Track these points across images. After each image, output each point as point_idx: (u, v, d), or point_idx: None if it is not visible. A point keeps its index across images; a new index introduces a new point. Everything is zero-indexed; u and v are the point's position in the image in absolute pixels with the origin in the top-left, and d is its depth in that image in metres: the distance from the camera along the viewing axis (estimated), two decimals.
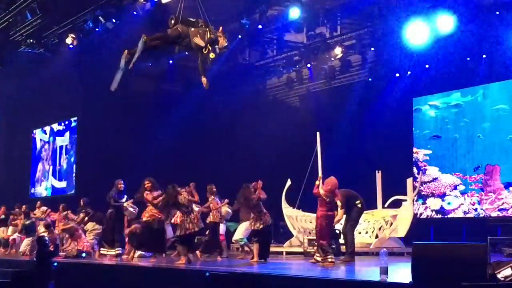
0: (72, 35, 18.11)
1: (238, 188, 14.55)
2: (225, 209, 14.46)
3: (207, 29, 9.88)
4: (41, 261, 11.54)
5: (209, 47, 9.80)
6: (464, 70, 18.03)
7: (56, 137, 23.83)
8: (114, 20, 17.12)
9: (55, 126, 23.91)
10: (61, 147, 23.37)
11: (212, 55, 9.82)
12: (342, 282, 8.70)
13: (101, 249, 14.45)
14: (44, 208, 17.55)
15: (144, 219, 13.01)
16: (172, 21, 9.87)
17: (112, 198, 14.03)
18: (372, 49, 18.99)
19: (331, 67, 20.44)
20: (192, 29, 9.83)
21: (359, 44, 18.98)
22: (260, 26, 18.37)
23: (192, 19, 10.00)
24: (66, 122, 23.14)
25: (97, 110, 20.59)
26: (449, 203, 18.29)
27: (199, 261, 12.98)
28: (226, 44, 10.12)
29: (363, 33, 18.70)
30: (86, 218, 15.45)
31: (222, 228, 14.77)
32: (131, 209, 14.03)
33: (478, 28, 16.53)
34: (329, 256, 11.18)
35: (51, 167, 24.00)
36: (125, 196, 14.13)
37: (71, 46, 18.44)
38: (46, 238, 12.63)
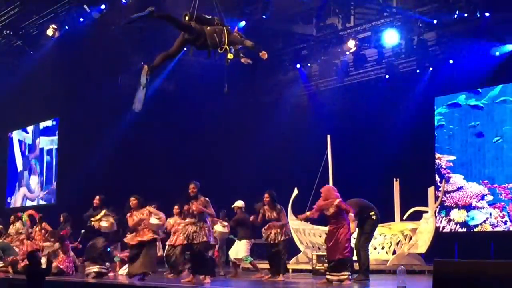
0: (54, 26, 18.12)
1: (239, 196, 14.65)
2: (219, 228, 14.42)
3: (224, 28, 10.00)
4: (32, 280, 11.30)
5: (227, 47, 9.91)
6: (494, 66, 17.98)
7: (41, 137, 23.65)
8: (103, 7, 17.12)
9: (43, 123, 23.75)
10: (49, 151, 23.21)
11: (230, 56, 9.94)
12: None
13: (86, 268, 14.35)
14: (20, 226, 17.43)
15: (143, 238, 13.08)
16: (186, 18, 9.95)
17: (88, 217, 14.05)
18: (389, 34, 18.86)
19: (344, 63, 20.40)
20: (208, 27, 9.95)
21: (374, 36, 18.93)
22: (264, 16, 18.35)
23: (207, 16, 10.11)
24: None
25: (81, 110, 20.58)
26: (472, 219, 18.21)
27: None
28: (251, 44, 10.21)
29: (379, 24, 18.66)
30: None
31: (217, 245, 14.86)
32: (105, 224, 13.88)
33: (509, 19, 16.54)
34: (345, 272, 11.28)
35: (37, 176, 23.88)
36: (102, 211, 14.03)
37: (52, 38, 18.45)
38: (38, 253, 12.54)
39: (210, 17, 10.12)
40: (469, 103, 18.83)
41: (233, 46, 10.06)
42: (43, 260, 12.09)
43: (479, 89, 18.61)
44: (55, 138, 22.73)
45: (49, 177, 22.95)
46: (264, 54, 10.23)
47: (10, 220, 17.63)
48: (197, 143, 21.78)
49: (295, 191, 16.52)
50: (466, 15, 16.61)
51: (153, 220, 13.01)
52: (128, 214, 13.11)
